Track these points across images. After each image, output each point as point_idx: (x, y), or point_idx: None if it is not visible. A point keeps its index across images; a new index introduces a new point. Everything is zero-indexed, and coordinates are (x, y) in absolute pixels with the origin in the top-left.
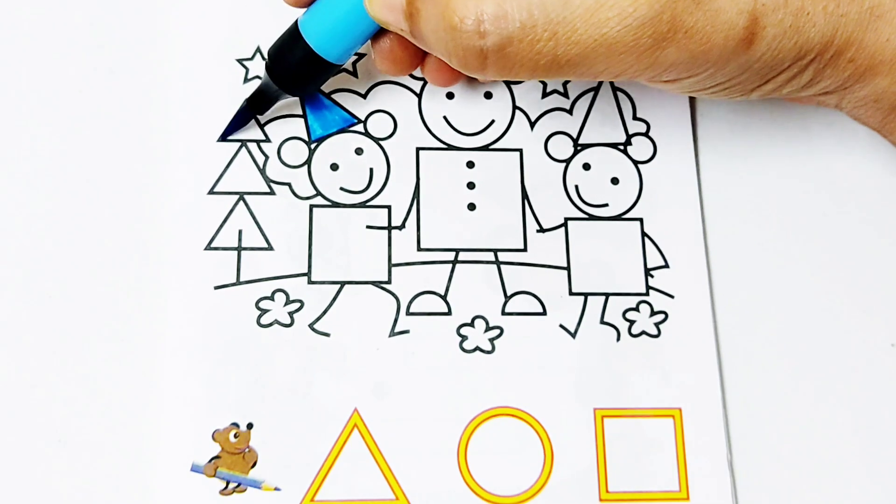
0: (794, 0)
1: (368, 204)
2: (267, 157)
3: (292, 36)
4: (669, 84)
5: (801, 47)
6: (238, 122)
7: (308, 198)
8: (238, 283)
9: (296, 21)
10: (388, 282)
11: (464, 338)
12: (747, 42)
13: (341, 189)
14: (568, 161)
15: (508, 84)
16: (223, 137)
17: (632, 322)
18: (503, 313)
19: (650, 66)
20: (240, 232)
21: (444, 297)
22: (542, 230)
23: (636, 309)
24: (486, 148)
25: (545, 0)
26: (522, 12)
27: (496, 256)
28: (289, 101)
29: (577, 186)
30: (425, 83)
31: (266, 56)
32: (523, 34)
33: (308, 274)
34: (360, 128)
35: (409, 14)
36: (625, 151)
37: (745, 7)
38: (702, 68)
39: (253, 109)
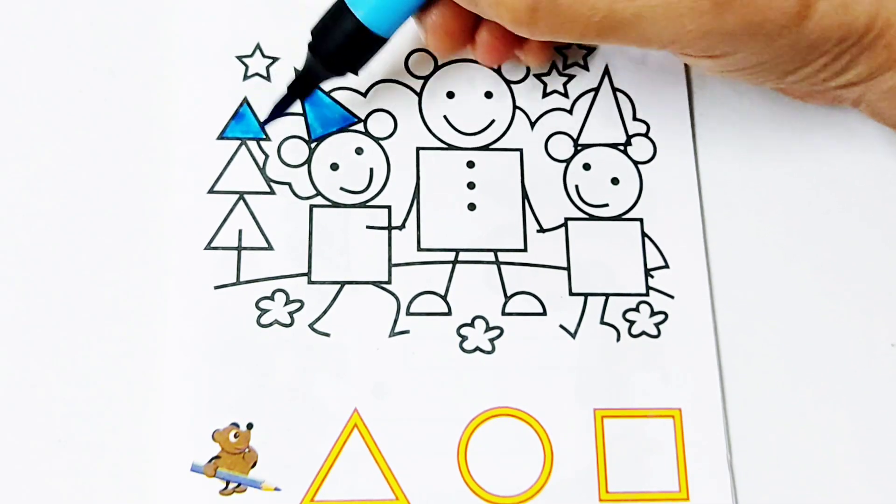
0: None
1: (368, 204)
2: (267, 157)
3: (339, 10)
4: (715, 59)
5: (849, 26)
6: (281, 108)
7: (308, 197)
8: (238, 283)
9: None
10: (388, 282)
11: (464, 338)
12: (800, 16)
13: (341, 189)
14: (568, 161)
15: (509, 84)
16: (266, 123)
17: (632, 322)
18: (503, 313)
19: (705, 33)
20: (240, 232)
21: (444, 298)
22: (542, 230)
23: (636, 309)
24: (486, 148)
25: None
26: None
27: (496, 256)
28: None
29: (577, 186)
30: (425, 83)
31: (310, 35)
32: None
33: (308, 274)
34: (360, 127)
35: None
36: (625, 152)
37: None
38: (752, 42)
39: (296, 93)
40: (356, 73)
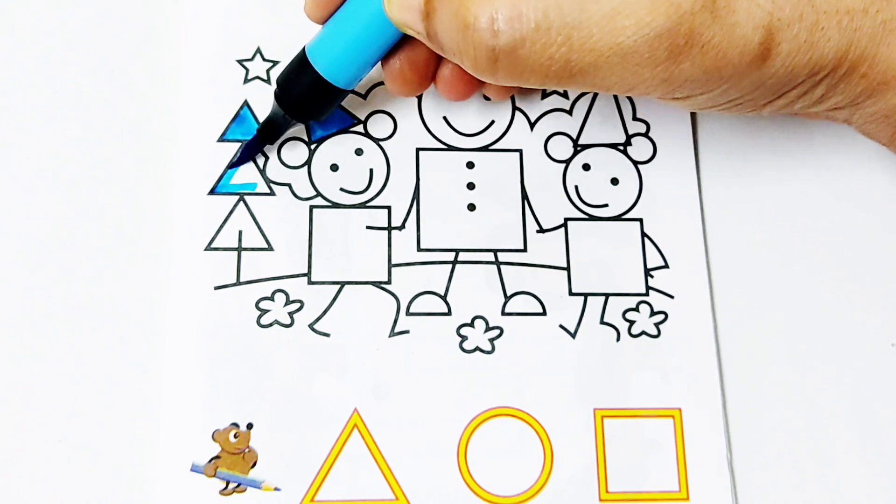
0: (809, 15)
1: (368, 204)
2: (267, 158)
3: (300, 63)
4: (681, 101)
5: (816, 63)
6: (249, 153)
7: (308, 198)
8: (238, 283)
9: (303, 48)
10: (388, 282)
11: (464, 338)
12: (762, 57)
13: (341, 189)
14: (568, 161)
15: None
16: (233, 167)
17: (632, 322)
18: (503, 313)
19: (664, 80)
20: (240, 232)
21: (444, 298)
22: (541, 230)
23: (636, 309)
24: (486, 148)
25: (561, 3)
26: (538, 13)
27: (496, 257)
28: (298, 129)
29: (576, 187)
30: None
31: (276, 83)
32: (537, 36)
33: (308, 274)
34: (360, 128)
35: (426, 13)
36: (625, 152)
37: (761, 22)
38: (715, 84)
39: (264, 139)
40: (319, 121)
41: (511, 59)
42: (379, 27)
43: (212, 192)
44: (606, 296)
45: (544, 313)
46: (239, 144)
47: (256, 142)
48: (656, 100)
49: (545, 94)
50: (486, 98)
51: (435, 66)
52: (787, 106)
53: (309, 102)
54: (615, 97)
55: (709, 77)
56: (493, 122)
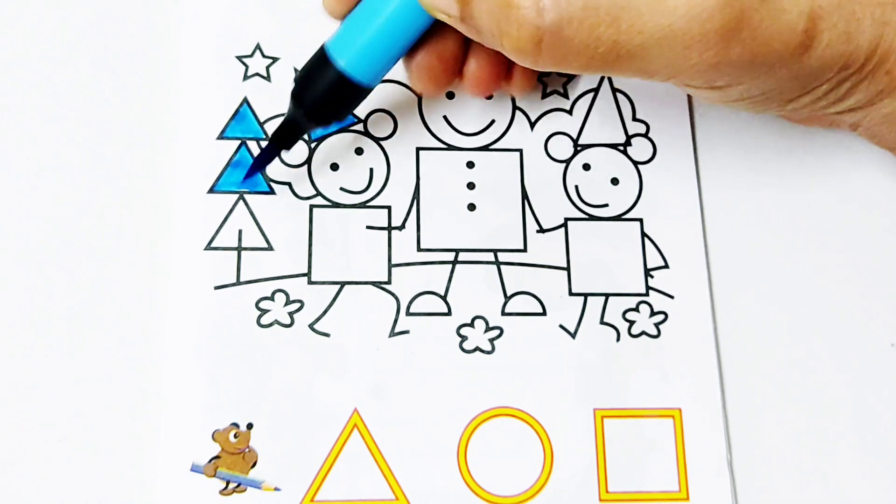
0: (847, 4)
1: (368, 204)
2: None
3: (320, 61)
4: (717, 91)
5: (850, 55)
6: (264, 160)
7: (308, 198)
8: (238, 283)
9: (322, 46)
10: (388, 282)
11: (464, 338)
12: (805, 46)
13: (341, 189)
14: (568, 161)
15: None
16: (248, 177)
17: (632, 322)
18: (503, 313)
19: (711, 65)
20: (240, 232)
21: (444, 298)
22: (541, 230)
23: (636, 309)
24: (486, 148)
25: None
26: None
27: (496, 257)
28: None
29: (577, 187)
30: None
31: (294, 82)
32: (584, 15)
33: (308, 274)
34: (360, 127)
35: None
36: (625, 152)
37: (805, 8)
38: (755, 73)
39: (281, 145)
40: (341, 122)
41: (556, 40)
42: (406, 17)
43: (211, 190)
44: (606, 296)
45: (544, 313)
46: (239, 143)
47: (272, 148)
48: (694, 89)
49: (545, 95)
50: (488, 97)
51: (462, 60)
52: (810, 104)
53: (331, 102)
54: (615, 98)
55: (754, 64)
56: (493, 121)
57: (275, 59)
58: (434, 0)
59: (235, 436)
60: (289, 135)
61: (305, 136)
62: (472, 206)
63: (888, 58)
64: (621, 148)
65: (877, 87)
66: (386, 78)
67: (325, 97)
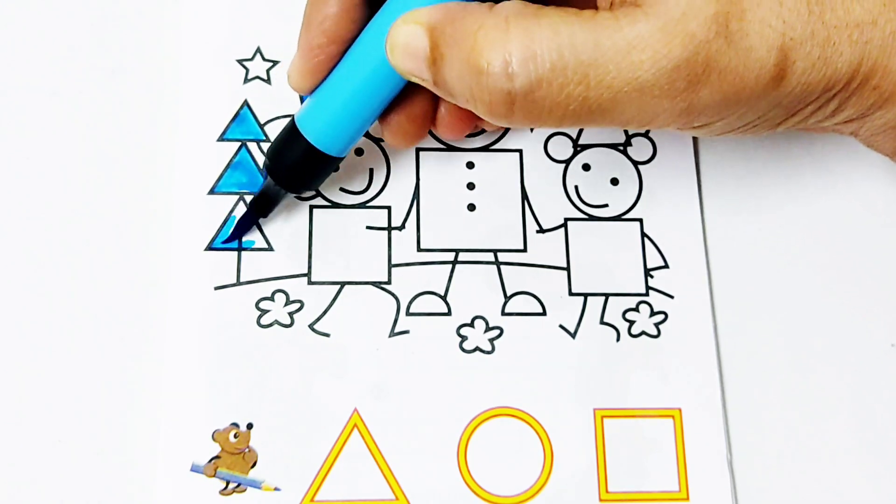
0: (820, 31)
1: (368, 204)
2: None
3: (290, 133)
4: (699, 130)
5: (830, 78)
6: (243, 227)
7: (308, 198)
8: (238, 283)
9: (292, 119)
10: (388, 282)
11: (464, 338)
12: (778, 78)
13: (341, 189)
14: (568, 162)
15: None
16: (227, 242)
17: (632, 322)
18: (503, 313)
19: (683, 110)
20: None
21: (443, 298)
22: (541, 230)
23: (636, 309)
24: (485, 149)
25: (574, 41)
26: (552, 53)
27: (496, 257)
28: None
29: (576, 187)
30: None
31: (265, 155)
32: (553, 76)
33: (308, 274)
34: None
35: (433, 60)
36: (624, 152)
37: (775, 43)
38: (733, 109)
39: (258, 212)
40: (314, 191)
41: (528, 102)
42: (371, 91)
43: (211, 191)
44: (606, 296)
45: (544, 313)
46: (239, 144)
47: (250, 216)
48: (676, 130)
49: None
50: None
51: (433, 113)
52: (800, 122)
53: (302, 173)
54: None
55: (727, 102)
56: None
57: (275, 63)
58: (406, 66)
59: (235, 436)
60: (266, 204)
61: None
62: (471, 207)
63: (873, 75)
64: (621, 148)
65: (866, 103)
66: None
67: (296, 169)
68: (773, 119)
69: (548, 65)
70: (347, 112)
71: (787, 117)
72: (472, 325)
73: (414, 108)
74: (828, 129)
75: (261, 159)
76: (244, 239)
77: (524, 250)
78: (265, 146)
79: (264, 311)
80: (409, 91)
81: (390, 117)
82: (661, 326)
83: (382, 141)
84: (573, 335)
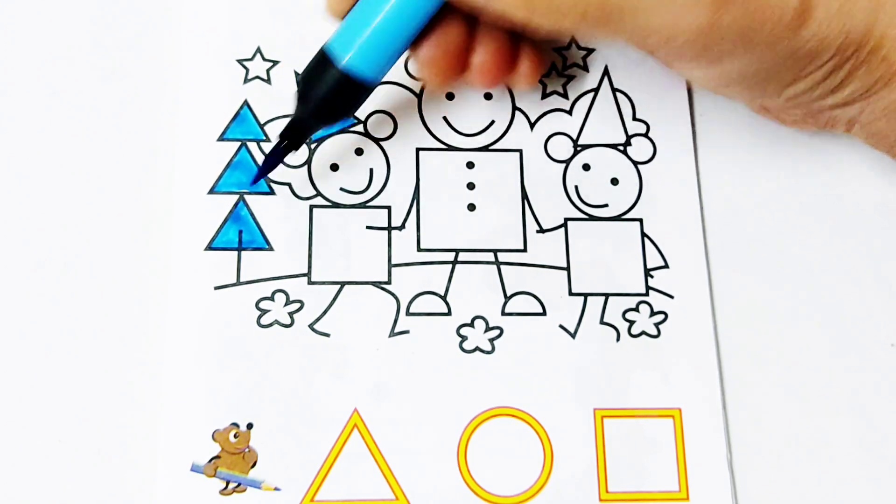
0: None
1: (368, 204)
2: None
3: (321, 61)
4: (711, 66)
5: (847, 34)
6: (273, 162)
7: (308, 198)
8: (238, 283)
9: (322, 47)
10: (388, 282)
11: (464, 338)
12: (799, 20)
13: (341, 189)
14: (568, 161)
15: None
16: (255, 182)
17: (632, 322)
18: (503, 313)
19: (702, 29)
20: (240, 232)
21: (444, 298)
22: (541, 230)
23: (636, 309)
24: (486, 148)
25: None
26: None
27: (496, 257)
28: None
29: (576, 187)
30: (425, 84)
31: (297, 84)
32: None
33: (308, 274)
34: (359, 128)
35: None
36: (624, 152)
37: None
38: (749, 46)
39: (290, 146)
40: (348, 119)
41: None
42: (404, 9)
43: (211, 191)
44: (606, 296)
45: (544, 313)
46: (239, 144)
47: (280, 150)
48: (681, 66)
49: (545, 95)
50: (488, 97)
51: (467, 52)
52: (807, 92)
53: (336, 102)
54: (615, 97)
55: (747, 32)
56: (493, 121)
57: (275, 63)
58: None
59: (235, 436)
60: (296, 136)
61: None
62: (471, 207)
63: (883, 44)
64: (621, 148)
65: (873, 76)
66: (386, 79)
67: (329, 98)
68: (783, 75)
69: None
70: (382, 33)
71: (796, 79)
72: (472, 325)
73: (448, 42)
74: (827, 118)
75: (261, 159)
76: (244, 239)
77: (524, 250)
78: (265, 146)
79: (264, 311)
80: (442, 22)
81: (423, 49)
82: (661, 326)
83: (383, 140)
84: (573, 335)
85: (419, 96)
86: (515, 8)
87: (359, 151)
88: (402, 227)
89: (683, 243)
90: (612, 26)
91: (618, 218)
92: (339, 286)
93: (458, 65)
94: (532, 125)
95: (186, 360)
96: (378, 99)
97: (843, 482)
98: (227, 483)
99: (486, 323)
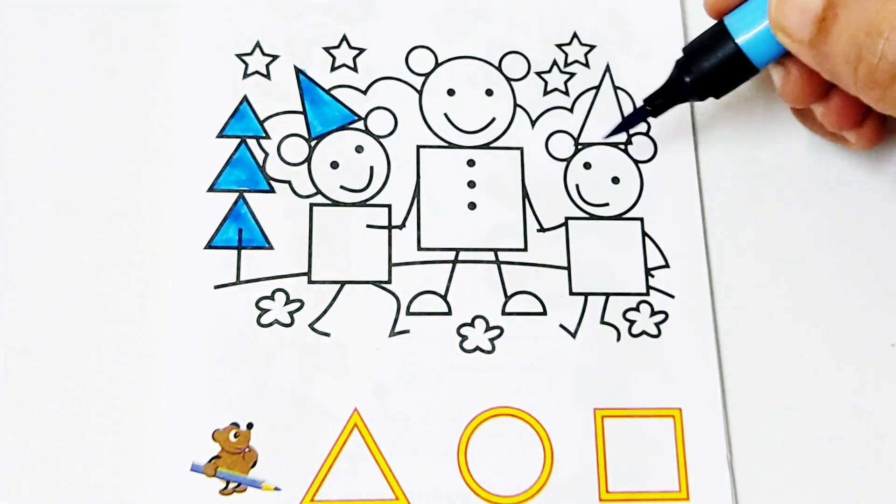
0: None
1: (369, 203)
2: (267, 155)
3: (718, 35)
4: None
5: None
6: (631, 122)
7: (308, 196)
8: (238, 282)
9: (721, 21)
10: (388, 281)
11: (464, 338)
12: None
13: (341, 187)
14: (569, 160)
15: (509, 81)
16: (611, 134)
17: (632, 322)
18: (503, 313)
19: None
20: (240, 230)
21: (444, 297)
22: (542, 230)
23: (636, 309)
24: (486, 146)
25: None
26: None
27: (496, 256)
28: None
29: (577, 186)
30: (426, 80)
31: (682, 52)
32: None
33: (308, 273)
34: (360, 125)
35: (822, 19)
36: (625, 151)
37: None
38: None
39: (655, 110)
40: (718, 98)
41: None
42: None
43: (211, 188)
44: (607, 295)
45: (544, 313)
46: (238, 141)
47: (643, 112)
48: None
49: (546, 92)
50: (489, 94)
51: (827, 84)
52: None
53: (720, 76)
54: (616, 96)
55: None
56: (494, 119)
57: (275, 57)
58: (787, 21)
59: (235, 435)
60: (667, 100)
61: (305, 135)
62: (472, 205)
63: None
64: (622, 147)
65: None
66: (386, 74)
67: (716, 71)
68: None
69: None
70: None
71: None
72: (472, 324)
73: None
74: None
75: (260, 157)
76: (243, 238)
77: (525, 249)
78: (265, 143)
79: (264, 311)
80: None
81: (790, 65)
82: (661, 326)
83: (383, 137)
84: (573, 335)
85: (420, 93)
86: (877, 81)
87: (359, 149)
88: (403, 225)
89: (684, 243)
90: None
91: (618, 217)
92: (339, 285)
93: (814, 91)
94: (533, 123)
95: (186, 359)
96: (378, 95)
97: (843, 482)
98: (227, 483)
99: (487, 322)
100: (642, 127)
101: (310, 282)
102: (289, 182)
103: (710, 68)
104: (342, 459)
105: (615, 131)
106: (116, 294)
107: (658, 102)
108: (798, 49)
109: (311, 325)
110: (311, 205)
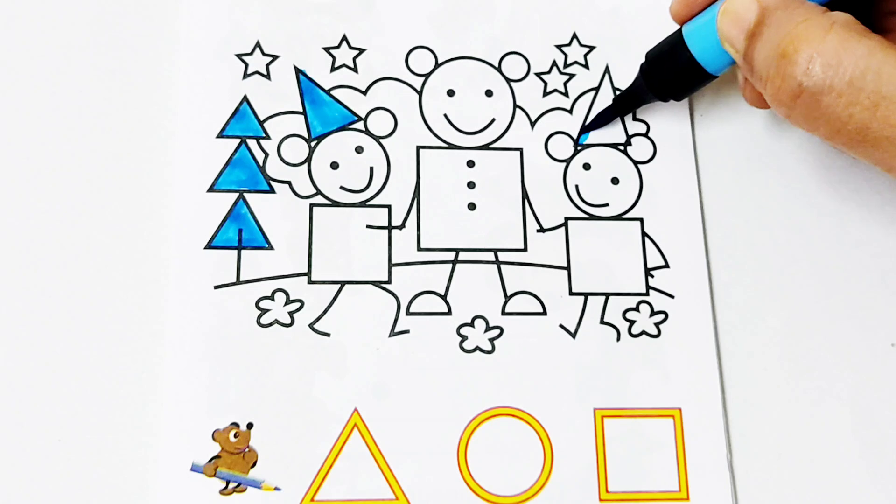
0: None
1: (368, 203)
2: (267, 155)
3: (675, 43)
4: None
5: None
6: (601, 121)
7: (308, 196)
8: (238, 282)
9: (679, 29)
10: (388, 282)
11: (464, 338)
12: None
13: (341, 188)
14: (568, 161)
15: (509, 82)
16: (585, 131)
17: (632, 322)
18: (503, 313)
19: None
20: (240, 231)
21: (444, 297)
22: (542, 230)
23: (636, 309)
24: (486, 147)
25: (882, 71)
26: (856, 71)
27: (496, 256)
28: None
29: (577, 186)
30: (425, 80)
31: (644, 58)
32: (845, 90)
33: (308, 274)
34: (360, 125)
35: (752, 34)
36: (625, 152)
37: None
38: None
39: (620, 109)
40: (678, 101)
41: (812, 102)
42: None
43: (211, 189)
44: (607, 295)
45: (544, 313)
46: (238, 141)
47: (611, 111)
48: None
49: (546, 93)
50: (489, 94)
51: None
52: None
53: (676, 82)
54: (615, 96)
55: None
56: (493, 120)
57: (275, 57)
58: (729, 32)
59: (235, 435)
60: (630, 102)
61: (305, 136)
62: (472, 206)
63: None
64: (621, 147)
65: None
66: (386, 75)
67: (672, 77)
68: None
69: (847, 78)
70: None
71: None
72: (472, 324)
73: None
74: None
75: (260, 157)
76: (243, 238)
77: (524, 250)
78: (265, 143)
79: (264, 311)
80: None
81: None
82: (661, 326)
83: (383, 138)
84: (573, 335)
85: (420, 93)
86: (780, 101)
87: (359, 150)
88: (403, 226)
89: (684, 243)
90: (863, 151)
91: (618, 217)
92: (339, 285)
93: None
94: (533, 124)
95: (186, 359)
96: (378, 95)
97: (843, 482)
98: (227, 483)
99: (487, 322)
100: (641, 128)
101: (310, 282)
102: (289, 182)
103: (669, 75)
104: (342, 459)
105: (589, 127)
106: (117, 294)
107: (623, 105)
108: (737, 59)
109: (311, 326)
110: (311, 205)
